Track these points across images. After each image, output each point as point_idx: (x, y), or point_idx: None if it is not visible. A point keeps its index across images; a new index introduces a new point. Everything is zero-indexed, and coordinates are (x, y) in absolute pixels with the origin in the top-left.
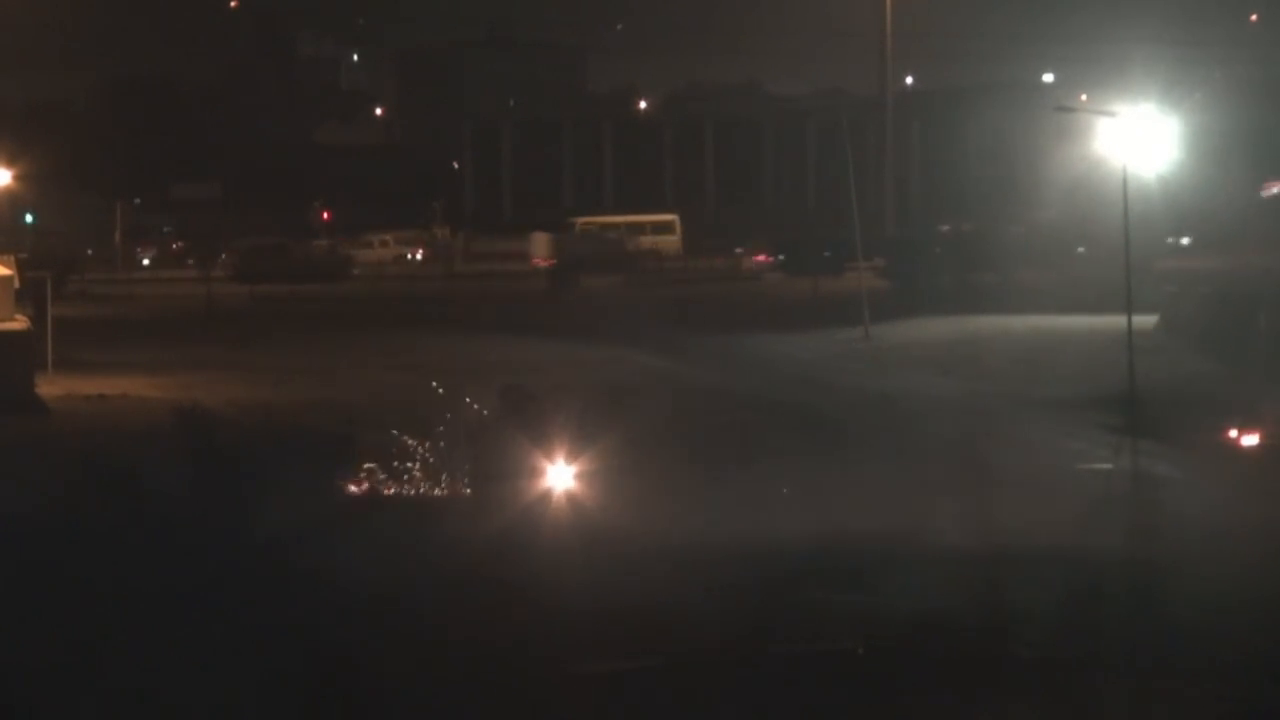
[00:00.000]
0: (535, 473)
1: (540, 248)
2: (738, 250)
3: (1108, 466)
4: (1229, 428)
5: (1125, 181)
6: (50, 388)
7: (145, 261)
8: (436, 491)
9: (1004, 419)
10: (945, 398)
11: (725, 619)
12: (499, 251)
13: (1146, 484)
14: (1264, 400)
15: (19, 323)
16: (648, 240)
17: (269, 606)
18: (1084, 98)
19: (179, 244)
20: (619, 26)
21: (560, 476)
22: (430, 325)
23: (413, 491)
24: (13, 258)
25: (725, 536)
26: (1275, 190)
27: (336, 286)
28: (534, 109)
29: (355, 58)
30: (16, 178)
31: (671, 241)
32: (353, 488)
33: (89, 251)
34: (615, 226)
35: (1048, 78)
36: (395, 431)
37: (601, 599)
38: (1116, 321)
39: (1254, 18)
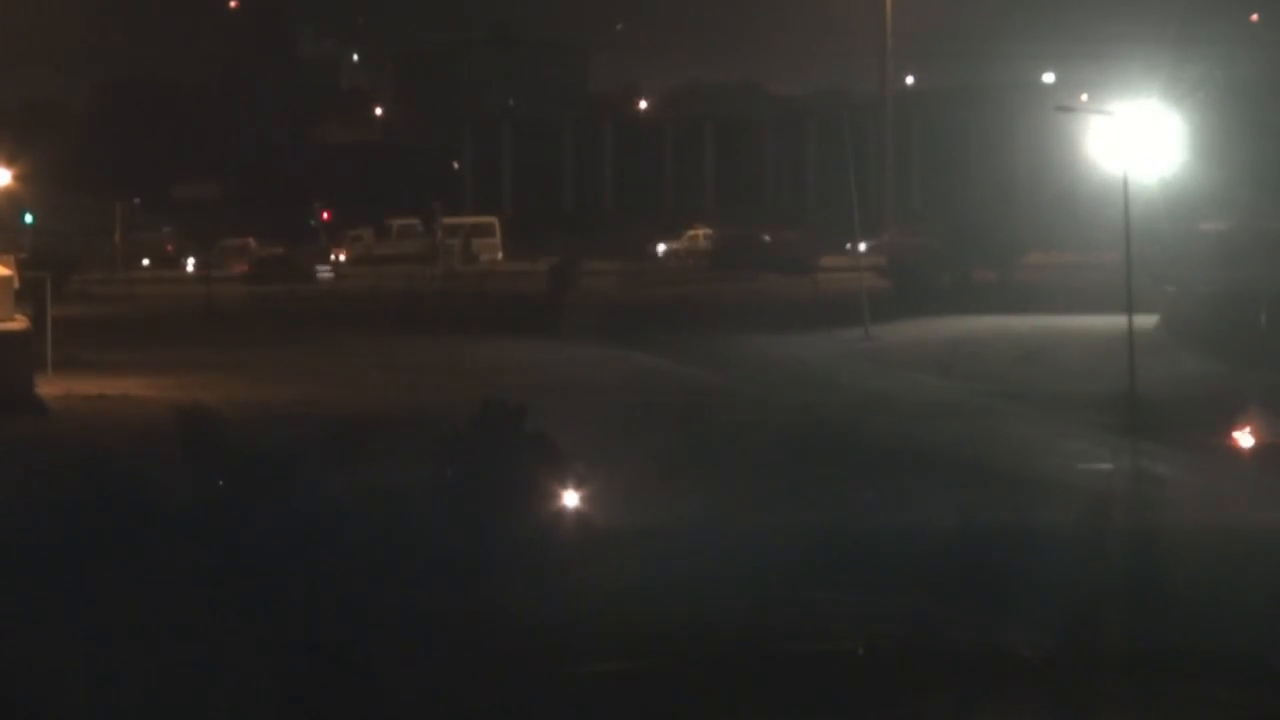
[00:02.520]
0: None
1: None
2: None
3: (1108, 466)
4: (1229, 428)
5: (1125, 182)
6: (50, 388)
7: (145, 261)
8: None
9: (1004, 418)
10: (945, 398)
11: (725, 619)
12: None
13: (1146, 484)
14: (1264, 400)
15: (19, 323)
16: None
17: (270, 608)
18: (1084, 97)
19: (173, 245)
20: (619, 26)
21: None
22: (429, 326)
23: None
24: (13, 258)
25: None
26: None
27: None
28: (534, 109)
29: (355, 58)
30: (16, 178)
31: (491, 245)
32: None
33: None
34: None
35: (1048, 78)
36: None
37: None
38: (1116, 321)
39: (1254, 18)
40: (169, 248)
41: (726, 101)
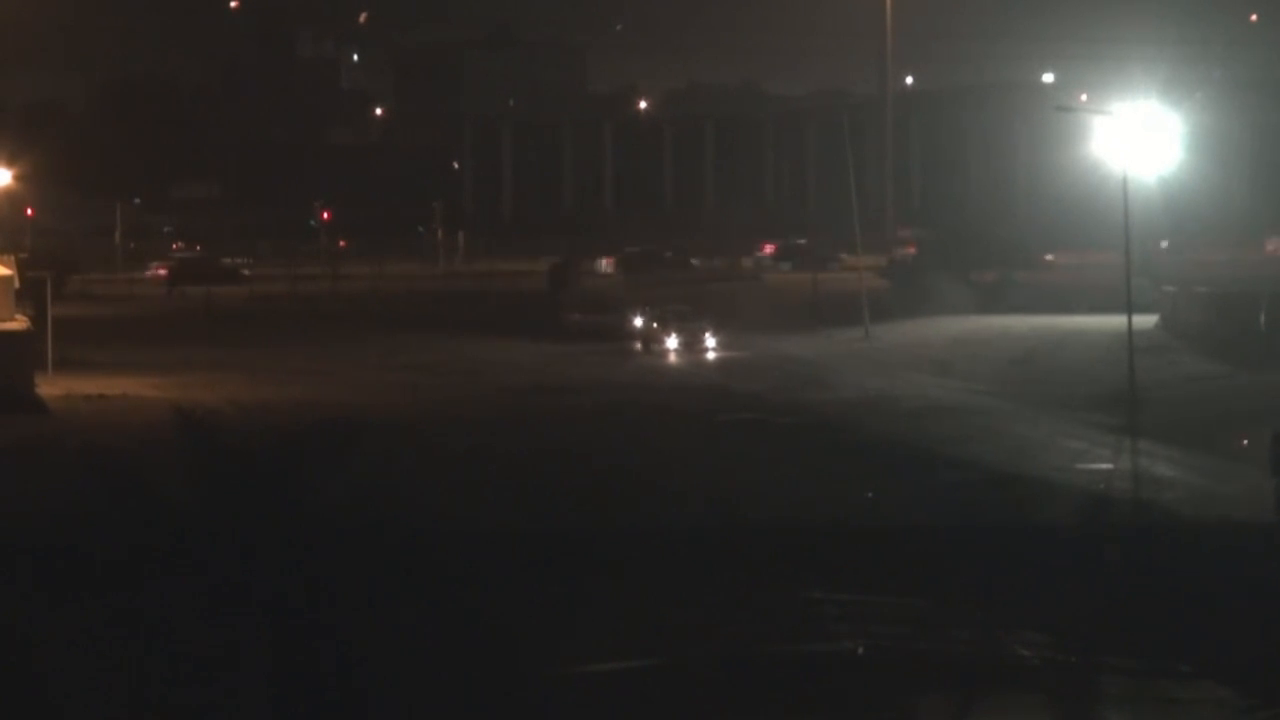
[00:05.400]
0: None
1: None
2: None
3: (1108, 466)
4: (1229, 427)
5: (1125, 181)
6: (50, 388)
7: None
8: None
9: (1003, 418)
10: (944, 398)
11: (724, 619)
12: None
13: (1146, 484)
14: (1263, 399)
15: (19, 323)
16: None
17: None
18: (1084, 98)
19: (178, 244)
20: (619, 26)
21: None
22: (428, 326)
23: None
24: (13, 258)
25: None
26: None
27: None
28: (534, 109)
29: (355, 58)
30: (17, 178)
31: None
32: None
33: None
34: None
35: (1048, 78)
36: None
37: None
38: (1116, 321)
39: (1254, 18)
40: (176, 246)
41: (726, 101)
